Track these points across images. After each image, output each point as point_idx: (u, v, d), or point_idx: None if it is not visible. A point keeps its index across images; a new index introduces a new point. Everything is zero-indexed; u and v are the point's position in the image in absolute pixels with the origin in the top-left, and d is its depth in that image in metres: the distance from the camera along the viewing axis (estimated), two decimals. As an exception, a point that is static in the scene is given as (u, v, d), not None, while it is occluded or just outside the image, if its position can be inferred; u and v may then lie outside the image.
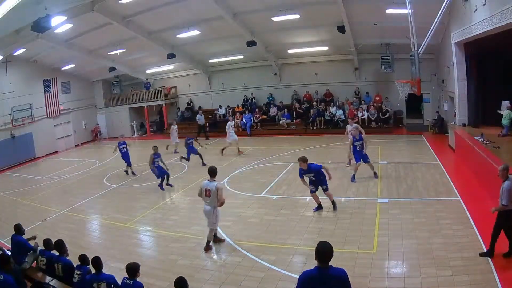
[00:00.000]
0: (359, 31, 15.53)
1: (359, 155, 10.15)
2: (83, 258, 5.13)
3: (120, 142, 13.47)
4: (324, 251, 3.28)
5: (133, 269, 4.49)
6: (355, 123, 12.27)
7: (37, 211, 10.20)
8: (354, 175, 10.13)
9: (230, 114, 20.43)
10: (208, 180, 6.63)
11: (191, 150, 13.65)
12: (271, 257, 6.15)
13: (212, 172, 6.65)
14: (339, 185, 9.94)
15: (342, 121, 18.19)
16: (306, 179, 8.03)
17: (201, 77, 22.63)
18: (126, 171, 13.48)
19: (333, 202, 8.21)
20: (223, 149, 14.92)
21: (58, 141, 21.57)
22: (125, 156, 13.41)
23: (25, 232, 6.63)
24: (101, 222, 9.22)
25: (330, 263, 3.30)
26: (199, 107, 22.45)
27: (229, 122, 15.21)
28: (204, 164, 13.03)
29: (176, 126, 17.01)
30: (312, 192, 8.13)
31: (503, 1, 7.81)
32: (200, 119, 19.82)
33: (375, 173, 10.24)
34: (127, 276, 4.54)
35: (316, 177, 7.94)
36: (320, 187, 8.08)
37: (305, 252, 6.27)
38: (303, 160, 7.80)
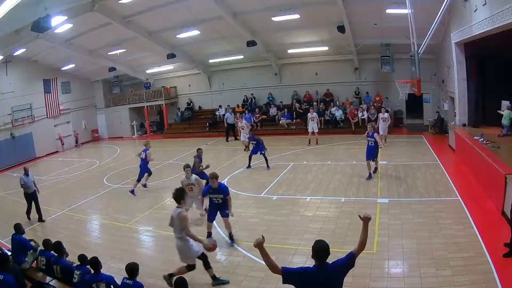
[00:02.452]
0: (359, 31, 15.52)
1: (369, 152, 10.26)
2: (82, 258, 5.14)
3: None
4: (320, 249, 3.27)
5: (132, 270, 4.50)
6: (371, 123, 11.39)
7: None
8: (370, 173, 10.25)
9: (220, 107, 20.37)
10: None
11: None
12: (271, 257, 6.15)
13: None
14: (339, 185, 9.95)
15: (342, 121, 18.21)
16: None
17: (201, 77, 22.63)
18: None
19: (230, 234, 7.05)
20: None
21: (58, 141, 21.57)
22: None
23: (26, 232, 6.66)
24: (101, 222, 9.23)
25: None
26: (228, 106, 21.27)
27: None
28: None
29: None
30: (211, 220, 7.01)
31: (503, 1, 7.81)
32: (230, 117, 19.23)
33: (375, 169, 10.51)
34: (127, 276, 4.54)
35: (222, 200, 6.80)
36: (219, 212, 6.96)
37: (305, 252, 6.27)
38: (215, 176, 6.71)
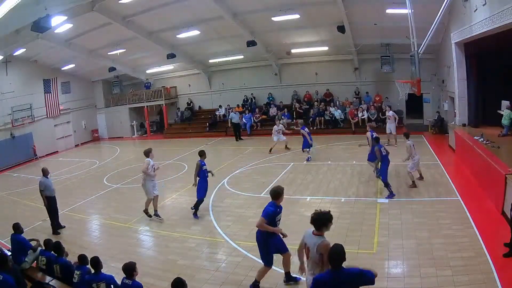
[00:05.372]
0: (359, 31, 15.52)
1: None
2: (82, 258, 5.14)
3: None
4: (334, 254, 3.29)
5: (129, 269, 4.48)
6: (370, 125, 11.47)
7: (37, 211, 10.19)
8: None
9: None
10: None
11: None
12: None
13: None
14: (339, 185, 9.95)
15: (342, 121, 18.21)
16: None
17: (201, 77, 22.62)
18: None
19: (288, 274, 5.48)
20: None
21: (58, 141, 21.58)
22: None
23: (25, 232, 6.65)
24: (101, 222, 9.23)
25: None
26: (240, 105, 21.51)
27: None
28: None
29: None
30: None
31: (503, 1, 7.81)
32: (235, 117, 19.20)
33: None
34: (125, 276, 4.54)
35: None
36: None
37: (305, 252, 6.28)
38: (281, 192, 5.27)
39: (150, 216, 8.60)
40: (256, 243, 5.34)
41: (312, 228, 3.98)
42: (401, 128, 17.89)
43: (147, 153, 8.51)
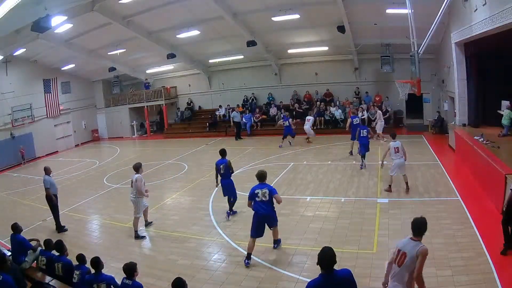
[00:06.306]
0: (359, 31, 15.52)
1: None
2: (81, 258, 5.14)
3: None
4: (324, 258, 3.25)
5: (129, 269, 4.48)
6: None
7: (37, 211, 10.20)
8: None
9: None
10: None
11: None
12: (271, 257, 6.16)
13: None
14: (339, 185, 9.95)
15: (342, 120, 18.21)
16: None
17: (201, 77, 22.63)
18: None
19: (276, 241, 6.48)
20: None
21: (58, 141, 21.58)
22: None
23: (25, 232, 6.66)
24: (101, 222, 9.22)
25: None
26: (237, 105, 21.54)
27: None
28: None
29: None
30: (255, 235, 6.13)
31: (503, 1, 7.81)
32: (236, 116, 19.34)
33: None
34: (125, 276, 4.54)
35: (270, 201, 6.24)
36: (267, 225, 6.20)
37: (305, 252, 6.27)
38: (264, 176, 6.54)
39: (151, 222, 8.36)
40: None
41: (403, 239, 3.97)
42: (401, 128, 17.96)
43: (137, 168, 7.74)
